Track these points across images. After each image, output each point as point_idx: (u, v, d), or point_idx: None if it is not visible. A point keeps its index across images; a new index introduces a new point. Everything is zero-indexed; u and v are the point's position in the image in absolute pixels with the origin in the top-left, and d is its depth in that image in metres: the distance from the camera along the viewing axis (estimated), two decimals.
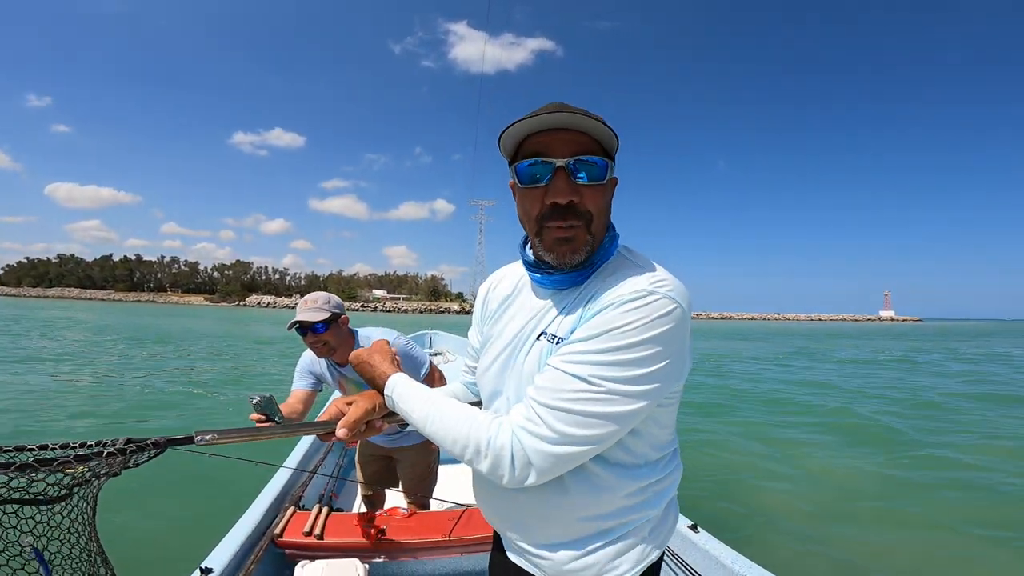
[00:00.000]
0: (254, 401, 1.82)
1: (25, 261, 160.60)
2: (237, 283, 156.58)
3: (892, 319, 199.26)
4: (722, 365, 17.09)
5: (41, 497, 0.65)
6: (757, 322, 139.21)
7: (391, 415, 0.99)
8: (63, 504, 0.69)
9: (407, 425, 0.98)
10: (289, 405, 2.19)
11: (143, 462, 0.80)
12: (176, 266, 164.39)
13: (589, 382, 0.73)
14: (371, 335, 2.24)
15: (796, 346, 28.26)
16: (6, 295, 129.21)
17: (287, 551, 2.13)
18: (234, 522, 2.11)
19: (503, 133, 0.83)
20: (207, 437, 0.85)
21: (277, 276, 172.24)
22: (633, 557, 0.87)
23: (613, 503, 0.85)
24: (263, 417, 1.83)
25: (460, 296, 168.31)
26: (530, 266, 0.93)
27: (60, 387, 9.24)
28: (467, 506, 2.33)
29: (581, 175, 0.81)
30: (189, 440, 0.85)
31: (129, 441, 0.78)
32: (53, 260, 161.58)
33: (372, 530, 2.16)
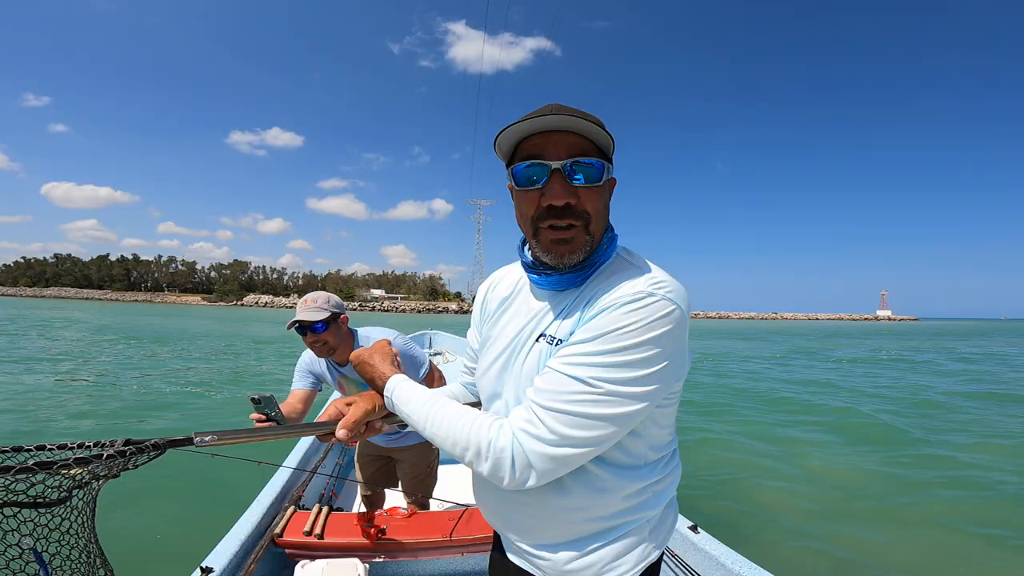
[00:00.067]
0: (254, 401, 1.82)
1: (22, 261, 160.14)
2: (235, 283, 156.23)
3: (889, 318, 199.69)
4: (720, 364, 17.10)
5: (41, 500, 0.65)
6: (755, 321, 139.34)
7: (391, 416, 0.99)
8: (63, 506, 0.69)
9: (407, 425, 0.97)
10: (289, 405, 2.19)
11: (142, 463, 0.80)
12: (173, 266, 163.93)
13: (589, 384, 0.73)
14: (371, 335, 2.24)
15: (794, 345, 28.32)
16: (3, 295, 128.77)
17: (287, 551, 2.13)
18: (234, 522, 2.11)
19: (498, 136, 0.84)
20: (206, 438, 0.85)
21: (275, 276, 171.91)
22: (633, 557, 0.87)
23: (613, 504, 0.85)
24: (263, 417, 1.83)
25: (458, 296, 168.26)
26: (529, 267, 0.92)
27: (57, 387, 9.21)
28: (467, 506, 2.32)
29: (578, 177, 0.81)
30: (188, 441, 0.85)
31: (128, 442, 0.78)
32: (50, 260, 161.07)
33: (372, 530, 2.16)
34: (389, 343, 1.05)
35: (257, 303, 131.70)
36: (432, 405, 0.85)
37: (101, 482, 0.75)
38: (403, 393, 0.91)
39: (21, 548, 0.64)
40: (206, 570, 1.72)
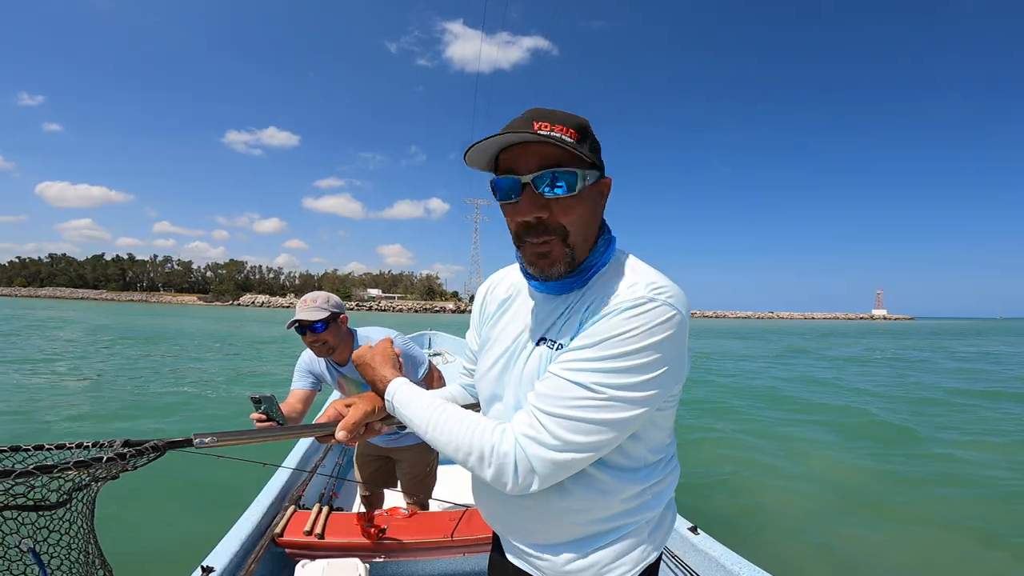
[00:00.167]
0: (255, 400, 1.82)
1: (16, 261, 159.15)
2: (231, 282, 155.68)
3: (885, 317, 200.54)
4: (718, 364, 17.15)
5: (42, 503, 0.66)
6: (751, 321, 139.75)
7: (390, 417, 0.99)
8: (63, 509, 0.69)
9: (406, 426, 0.97)
10: (289, 405, 2.18)
11: (142, 465, 0.80)
12: (169, 265, 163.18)
13: (591, 389, 0.73)
14: (370, 335, 2.24)
15: (792, 345, 28.40)
16: None
17: (287, 550, 2.13)
18: (235, 521, 2.10)
19: (467, 153, 0.82)
20: (206, 440, 0.85)
21: (271, 275, 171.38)
22: (632, 558, 0.88)
23: (612, 505, 0.86)
24: (263, 417, 1.83)
25: (455, 295, 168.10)
26: (526, 271, 0.92)
27: (54, 388, 9.17)
28: (467, 506, 2.32)
29: (548, 189, 0.79)
30: (188, 443, 0.84)
31: (127, 444, 0.78)
32: (44, 260, 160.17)
33: (373, 530, 2.16)
34: (392, 343, 1.04)
35: (253, 303, 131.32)
36: (434, 410, 0.85)
37: (100, 484, 0.75)
38: (404, 397, 0.90)
39: (21, 550, 0.64)
40: (207, 569, 1.72)
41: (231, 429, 0.91)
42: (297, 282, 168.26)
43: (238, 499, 2.42)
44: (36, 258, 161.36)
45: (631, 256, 0.89)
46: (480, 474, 0.79)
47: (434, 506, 2.58)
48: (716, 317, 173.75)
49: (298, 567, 1.91)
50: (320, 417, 1.04)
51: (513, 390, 0.90)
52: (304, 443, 3.21)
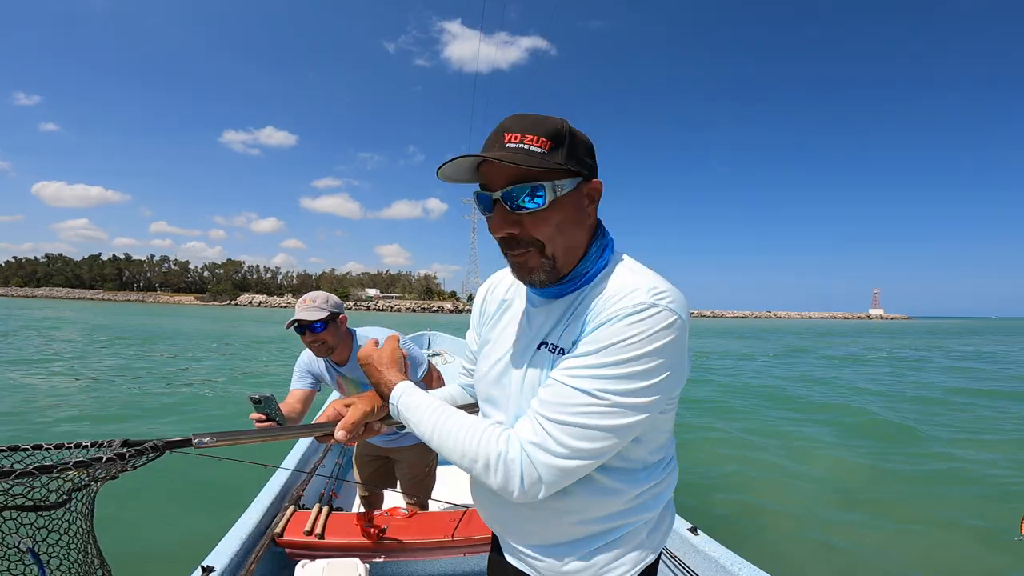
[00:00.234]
0: (254, 401, 1.82)
1: (12, 261, 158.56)
2: (228, 282, 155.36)
3: (882, 317, 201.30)
4: (717, 363, 17.19)
5: (41, 503, 0.66)
6: (749, 320, 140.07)
7: (389, 417, 0.98)
8: (62, 509, 0.69)
9: (404, 426, 0.97)
10: (288, 405, 2.19)
11: (141, 465, 0.79)
12: (166, 265, 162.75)
13: (595, 396, 0.74)
14: (369, 334, 2.24)
15: (790, 344, 28.49)
16: None
17: (288, 550, 2.13)
18: (234, 521, 2.10)
19: (438, 173, 0.82)
20: (205, 440, 0.84)
21: (269, 275, 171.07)
22: (630, 559, 0.88)
23: (612, 507, 0.86)
24: (263, 417, 1.83)
25: (453, 295, 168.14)
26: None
27: (51, 389, 9.14)
28: (467, 507, 2.32)
29: (518, 204, 0.79)
30: (187, 443, 0.84)
31: (126, 444, 0.78)
32: (41, 259, 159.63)
33: (373, 530, 2.16)
34: (399, 341, 1.03)
35: (251, 303, 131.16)
36: (439, 417, 0.84)
37: (99, 484, 0.75)
38: (409, 401, 0.89)
39: (20, 550, 0.64)
40: (207, 569, 1.72)
41: (230, 429, 0.91)
42: (295, 282, 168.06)
43: (238, 499, 2.42)
44: (32, 258, 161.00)
45: (629, 259, 0.88)
46: (486, 482, 0.78)
47: (434, 506, 2.58)
48: (714, 317, 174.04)
49: (298, 567, 1.91)
50: (319, 417, 1.04)
51: (514, 394, 0.90)
52: (304, 443, 3.21)
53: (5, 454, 0.73)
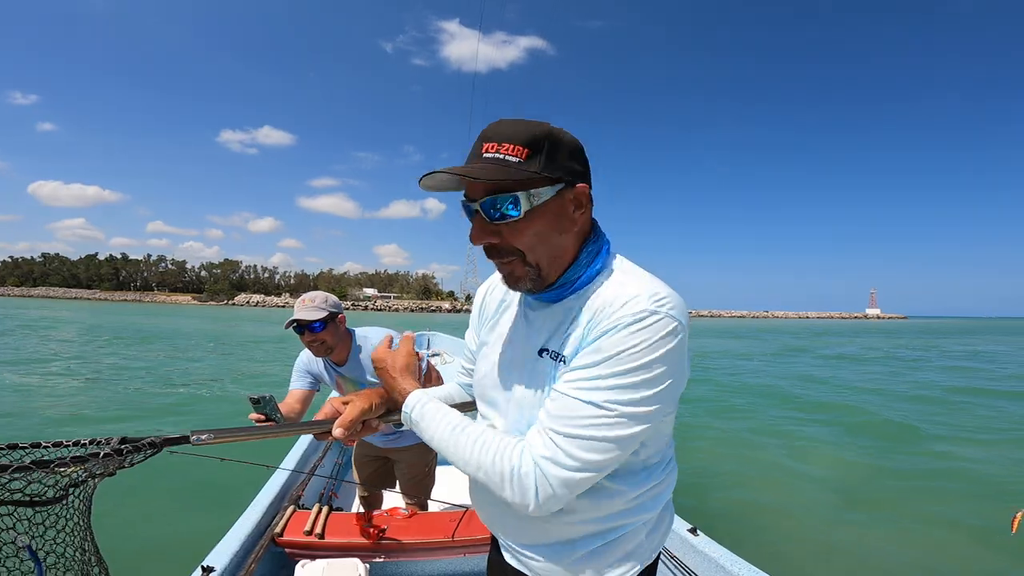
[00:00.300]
0: (253, 401, 1.82)
1: (9, 260, 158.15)
2: (225, 282, 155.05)
3: (879, 317, 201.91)
4: (716, 363, 17.23)
5: (38, 499, 0.66)
6: (746, 320, 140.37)
7: (387, 415, 0.98)
8: (59, 505, 0.69)
9: (402, 424, 0.97)
10: (287, 405, 2.18)
11: (139, 462, 0.80)
12: (163, 265, 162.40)
13: (602, 407, 0.74)
14: (368, 335, 2.24)
15: (787, 344, 28.55)
16: None
17: (287, 550, 2.13)
18: (234, 521, 2.10)
19: (420, 182, 0.81)
20: (203, 437, 0.84)
21: (266, 275, 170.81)
22: (629, 560, 0.88)
23: (611, 508, 0.86)
24: (262, 417, 1.83)
25: (451, 295, 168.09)
26: None
27: (48, 389, 9.12)
28: (467, 507, 2.32)
29: (495, 214, 0.79)
30: (185, 440, 0.84)
31: (124, 441, 0.78)
32: (37, 259, 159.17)
33: (373, 530, 2.16)
34: (414, 345, 1.01)
35: (248, 302, 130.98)
36: (454, 430, 0.84)
37: (97, 480, 0.75)
38: (424, 410, 0.89)
39: (17, 547, 0.64)
40: (207, 569, 1.71)
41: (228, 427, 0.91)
42: (292, 282, 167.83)
43: (238, 499, 2.41)
44: (29, 257, 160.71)
45: (625, 261, 0.88)
46: (501, 495, 0.79)
47: (433, 507, 2.57)
48: (711, 316, 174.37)
49: (298, 567, 1.91)
50: (317, 415, 1.03)
51: (513, 397, 0.90)
52: (303, 443, 3.20)
53: (3, 452, 0.73)
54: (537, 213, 0.80)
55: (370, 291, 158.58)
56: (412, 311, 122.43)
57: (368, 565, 1.98)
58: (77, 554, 0.74)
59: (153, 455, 0.82)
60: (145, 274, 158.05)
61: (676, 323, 0.75)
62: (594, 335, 0.77)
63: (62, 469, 0.67)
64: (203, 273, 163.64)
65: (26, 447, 0.72)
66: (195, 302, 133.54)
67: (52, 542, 0.68)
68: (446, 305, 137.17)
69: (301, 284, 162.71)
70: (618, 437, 0.75)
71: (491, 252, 0.84)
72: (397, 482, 2.58)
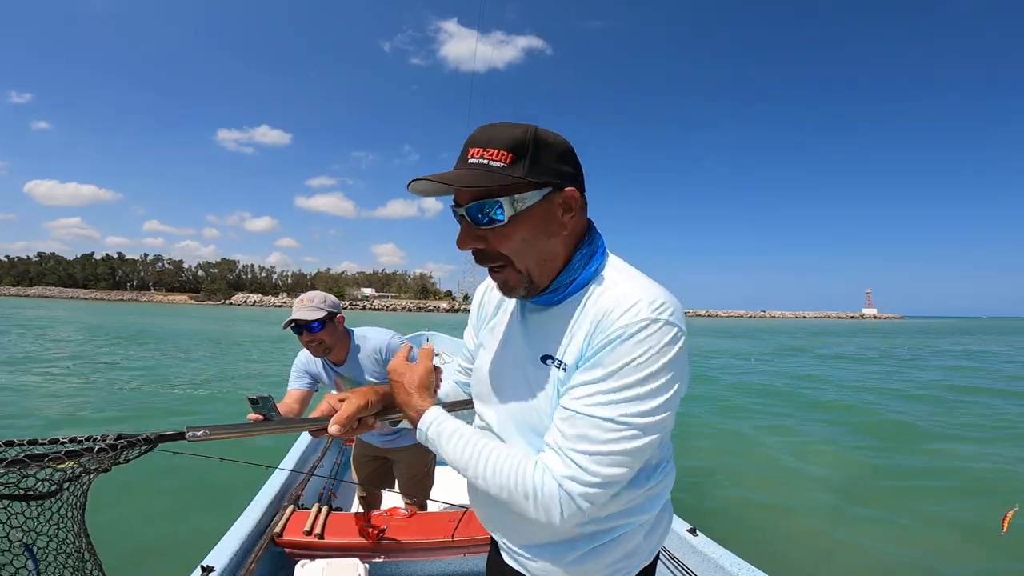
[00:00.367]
0: (252, 401, 1.82)
1: (5, 260, 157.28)
2: (222, 282, 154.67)
3: (875, 316, 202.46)
4: (714, 362, 17.26)
5: (32, 493, 0.65)
6: (744, 320, 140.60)
7: (384, 412, 0.97)
8: (53, 500, 0.69)
9: (399, 423, 0.96)
10: (286, 405, 2.19)
11: (134, 458, 0.79)
12: (160, 264, 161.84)
13: (618, 422, 0.74)
14: (367, 335, 2.24)
15: (784, 343, 28.59)
16: None
17: (287, 550, 2.13)
18: (234, 521, 2.10)
19: (409, 187, 0.81)
20: (199, 433, 0.84)
21: (263, 274, 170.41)
22: (627, 561, 0.88)
23: (609, 509, 0.85)
24: (260, 417, 1.83)
25: (449, 294, 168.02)
26: None
27: (44, 389, 9.08)
28: (466, 507, 2.31)
29: (481, 220, 0.80)
30: (180, 436, 0.84)
31: (120, 437, 0.78)
32: (33, 258, 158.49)
33: (372, 530, 2.16)
34: (432, 360, 0.98)
35: (246, 302, 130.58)
36: (473, 449, 0.83)
37: (92, 476, 0.75)
38: (440, 430, 0.87)
39: (11, 542, 0.64)
40: (207, 569, 1.71)
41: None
42: (289, 281, 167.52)
43: (237, 499, 2.41)
44: (25, 257, 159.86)
45: (621, 263, 0.87)
46: (525, 514, 0.79)
47: (432, 507, 2.58)
48: (709, 316, 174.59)
49: (297, 567, 1.91)
50: (314, 412, 1.04)
51: (512, 401, 0.90)
52: (302, 443, 3.21)
53: (0, 449, 0.73)
54: (522, 218, 0.79)
55: (367, 291, 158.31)
56: (410, 311, 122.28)
57: (368, 565, 1.98)
58: (72, 550, 0.74)
59: (148, 451, 0.82)
60: (142, 273, 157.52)
61: (676, 329, 0.76)
62: (597, 346, 0.77)
63: (56, 463, 0.67)
64: (200, 273, 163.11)
65: (23, 444, 0.73)
66: (192, 302, 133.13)
67: (44, 536, 0.68)
68: (444, 305, 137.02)
69: (298, 284, 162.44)
70: (636, 449, 0.75)
71: (479, 257, 0.84)
72: (396, 482, 2.59)
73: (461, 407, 1.10)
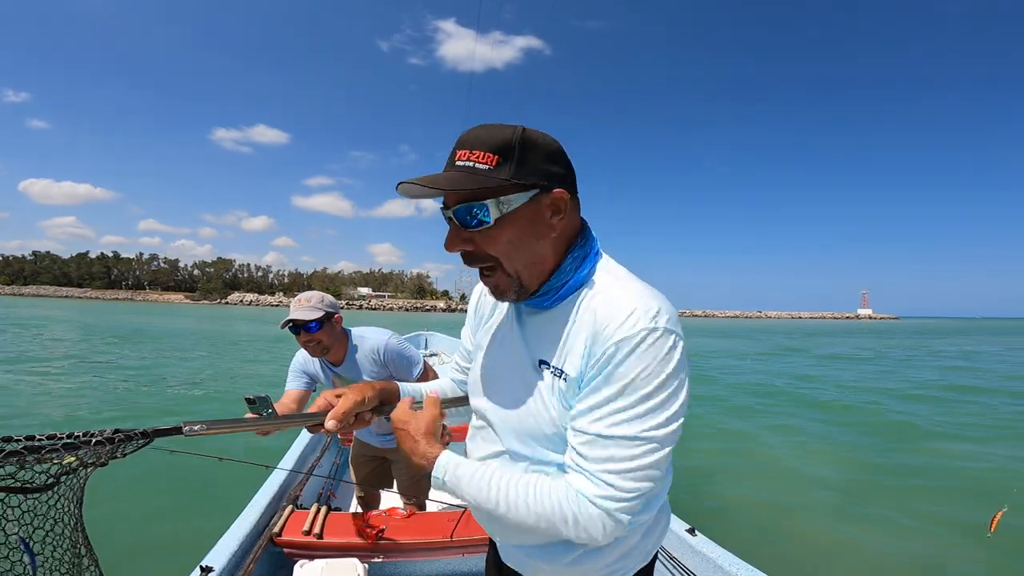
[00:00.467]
0: (249, 401, 1.81)
1: None
2: (219, 281, 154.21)
3: (871, 317, 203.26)
4: (712, 363, 17.29)
5: (28, 485, 0.65)
6: (739, 320, 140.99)
7: (380, 408, 0.98)
8: (50, 493, 0.69)
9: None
10: (283, 405, 2.18)
11: (130, 452, 0.80)
12: (155, 263, 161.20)
13: (640, 439, 0.75)
14: (365, 335, 2.24)
15: (780, 344, 28.68)
16: None
17: (286, 550, 2.12)
18: (232, 521, 2.09)
19: (397, 189, 0.80)
20: (195, 428, 0.84)
21: (260, 274, 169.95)
22: (626, 561, 0.89)
23: None
24: (258, 416, 1.82)
25: (446, 294, 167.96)
26: None
27: (40, 389, 9.04)
28: (465, 507, 2.32)
29: (470, 221, 0.79)
30: (177, 431, 0.83)
31: (117, 431, 0.78)
32: (28, 257, 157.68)
33: (371, 530, 2.15)
34: (439, 409, 0.96)
35: (242, 301, 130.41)
36: (498, 487, 0.82)
37: (89, 470, 0.75)
38: (457, 474, 0.86)
39: (7, 535, 0.64)
40: (206, 569, 1.71)
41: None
42: (286, 280, 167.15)
43: (236, 499, 2.40)
44: (20, 256, 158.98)
45: (615, 265, 0.87)
46: (567, 538, 0.80)
47: (431, 507, 2.57)
48: (705, 316, 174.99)
49: (296, 567, 1.90)
50: (310, 408, 1.05)
51: (508, 403, 0.90)
52: (301, 443, 3.20)
53: None
54: (508, 220, 0.79)
55: (364, 290, 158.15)
56: (407, 310, 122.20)
57: (367, 565, 1.97)
58: (68, 544, 0.74)
59: (145, 445, 0.82)
60: (137, 272, 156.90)
61: (674, 335, 0.77)
62: (600, 362, 0.77)
63: (53, 456, 0.67)
64: (196, 272, 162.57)
65: (20, 439, 0.73)
66: (188, 301, 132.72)
67: (41, 529, 0.68)
68: (441, 304, 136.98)
69: (295, 283, 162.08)
70: (660, 459, 0.76)
71: (468, 259, 0.84)
72: (395, 482, 2.58)
73: (457, 405, 1.11)
